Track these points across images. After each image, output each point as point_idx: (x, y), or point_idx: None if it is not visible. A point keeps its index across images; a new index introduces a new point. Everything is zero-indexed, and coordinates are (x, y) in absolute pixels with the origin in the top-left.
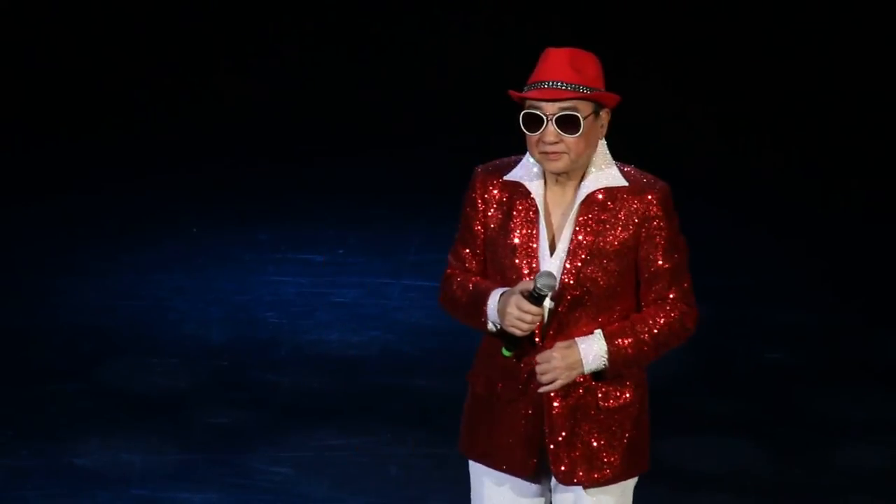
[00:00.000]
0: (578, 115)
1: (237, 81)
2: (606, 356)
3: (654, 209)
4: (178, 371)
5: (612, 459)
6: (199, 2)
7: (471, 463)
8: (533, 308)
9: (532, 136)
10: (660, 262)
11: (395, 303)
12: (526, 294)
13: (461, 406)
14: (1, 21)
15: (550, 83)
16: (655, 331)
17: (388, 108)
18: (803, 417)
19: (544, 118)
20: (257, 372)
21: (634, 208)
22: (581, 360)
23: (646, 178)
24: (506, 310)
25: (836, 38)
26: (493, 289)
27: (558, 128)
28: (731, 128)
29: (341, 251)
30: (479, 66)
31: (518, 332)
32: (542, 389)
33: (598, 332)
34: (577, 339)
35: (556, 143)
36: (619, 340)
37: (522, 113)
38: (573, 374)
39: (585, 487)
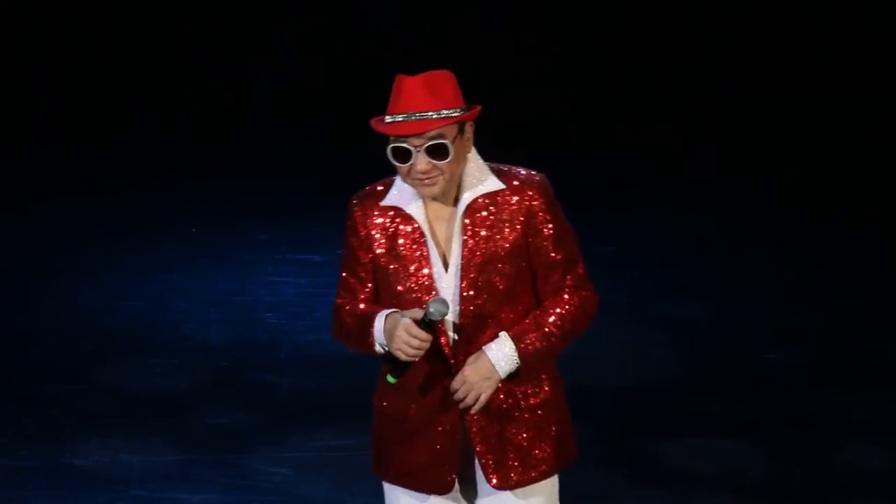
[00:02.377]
0: (446, 141)
1: (237, 81)
2: (517, 355)
3: (536, 203)
4: (177, 372)
5: (545, 454)
6: (200, 1)
7: (386, 485)
8: (422, 333)
9: (403, 167)
10: (552, 254)
11: None
12: (417, 319)
13: None
14: (1, 21)
15: (411, 115)
16: (560, 321)
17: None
18: (803, 417)
19: (412, 150)
20: (257, 372)
21: (516, 207)
22: (493, 366)
23: (521, 175)
24: (394, 332)
25: (835, 39)
26: (378, 311)
27: (429, 156)
28: (730, 128)
29: (340, 252)
30: (479, 67)
31: (403, 356)
32: (473, 410)
33: (503, 334)
34: (482, 347)
35: (429, 170)
36: (526, 337)
37: (390, 147)
38: (493, 383)
39: (517, 489)
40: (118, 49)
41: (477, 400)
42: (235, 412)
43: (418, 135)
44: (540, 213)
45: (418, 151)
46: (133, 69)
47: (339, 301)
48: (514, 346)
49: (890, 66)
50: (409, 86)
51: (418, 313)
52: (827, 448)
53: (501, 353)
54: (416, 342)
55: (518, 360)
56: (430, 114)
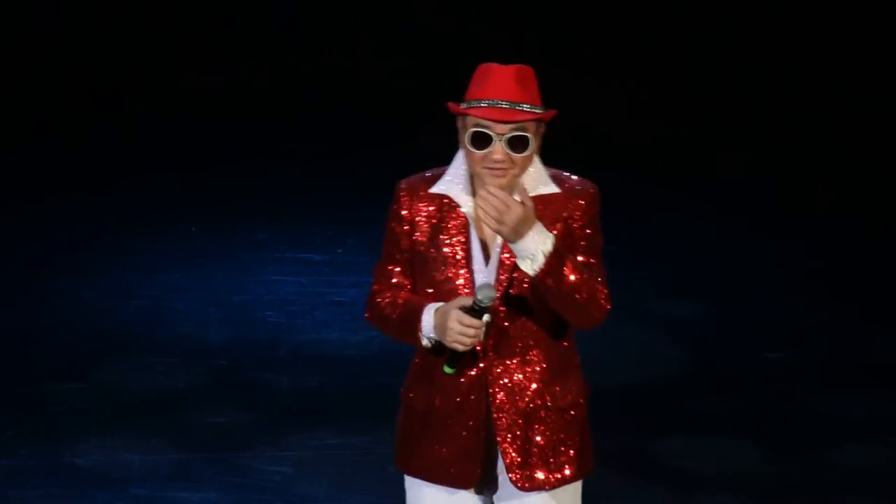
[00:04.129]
0: (529, 135)
1: (237, 81)
2: (550, 244)
3: (581, 210)
4: (177, 371)
5: (569, 458)
6: (199, 1)
7: (407, 478)
8: (475, 321)
9: (477, 154)
10: (580, 258)
11: None
12: (466, 308)
13: None
14: (0, 21)
15: (498, 102)
16: (586, 279)
17: (387, 107)
18: (803, 417)
19: (494, 137)
20: (256, 371)
21: (562, 211)
22: (533, 224)
23: (575, 182)
24: (446, 325)
25: (834, 37)
26: (425, 304)
27: (508, 147)
28: (730, 128)
29: (340, 251)
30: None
31: (460, 347)
32: (482, 216)
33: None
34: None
35: (504, 160)
36: (564, 252)
37: (471, 132)
38: (514, 229)
39: (541, 491)
40: (118, 49)
41: (493, 216)
42: (235, 411)
43: (504, 123)
44: (582, 220)
45: (499, 140)
46: (133, 69)
47: (375, 287)
48: (552, 238)
49: (889, 66)
50: (499, 73)
51: (467, 301)
52: (826, 448)
53: (544, 236)
54: (471, 331)
55: (546, 250)
56: (522, 105)
